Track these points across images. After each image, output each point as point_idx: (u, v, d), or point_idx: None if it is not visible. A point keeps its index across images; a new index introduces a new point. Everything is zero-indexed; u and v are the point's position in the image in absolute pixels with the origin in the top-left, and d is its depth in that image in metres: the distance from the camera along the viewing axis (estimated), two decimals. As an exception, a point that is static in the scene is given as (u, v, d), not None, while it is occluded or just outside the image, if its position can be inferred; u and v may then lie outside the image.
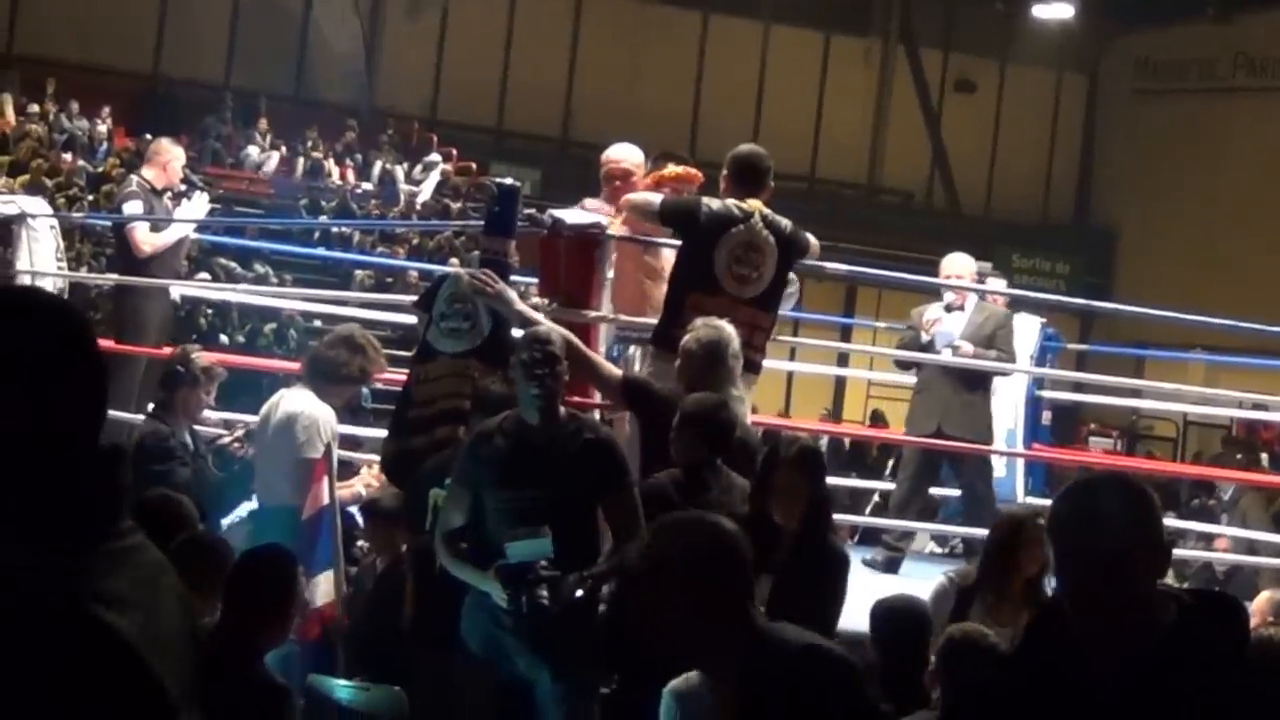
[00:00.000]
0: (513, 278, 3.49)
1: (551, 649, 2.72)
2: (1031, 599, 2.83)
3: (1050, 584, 2.83)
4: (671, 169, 3.81)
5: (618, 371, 3.34)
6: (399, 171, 13.08)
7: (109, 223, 6.16)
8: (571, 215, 3.63)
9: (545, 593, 2.65)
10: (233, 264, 10.60)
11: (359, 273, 11.25)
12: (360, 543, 3.67)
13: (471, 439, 2.90)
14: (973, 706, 1.59)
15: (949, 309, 4.67)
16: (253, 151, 12.77)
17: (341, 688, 3.04)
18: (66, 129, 11.94)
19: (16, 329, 0.95)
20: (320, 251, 11.05)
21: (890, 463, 8.63)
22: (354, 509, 3.66)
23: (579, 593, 2.67)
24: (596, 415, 3.37)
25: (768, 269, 3.48)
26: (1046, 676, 1.39)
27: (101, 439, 0.99)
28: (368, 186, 12.91)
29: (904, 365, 5.04)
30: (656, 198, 3.59)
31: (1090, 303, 7.30)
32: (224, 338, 9.87)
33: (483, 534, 2.77)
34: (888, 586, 3.42)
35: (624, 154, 3.83)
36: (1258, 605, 3.23)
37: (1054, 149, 15.56)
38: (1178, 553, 4.98)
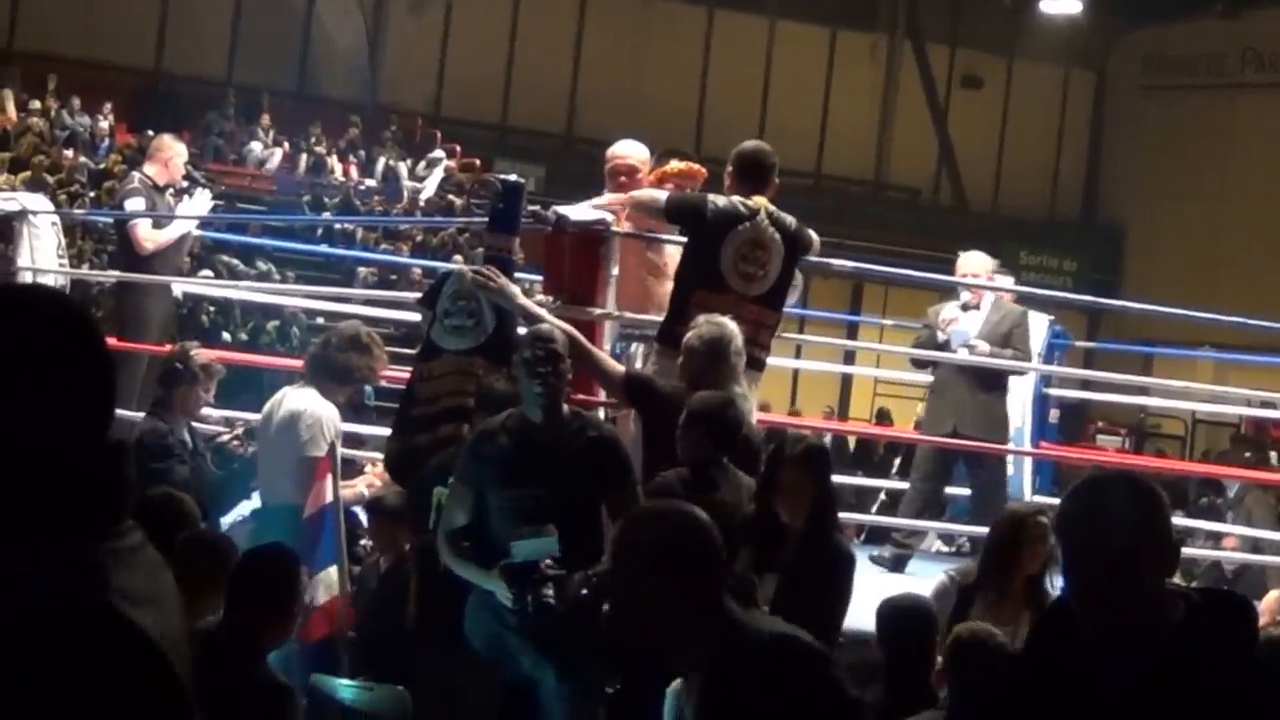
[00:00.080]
0: (517, 275, 3.47)
1: (556, 648, 2.71)
2: (1032, 597, 2.82)
3: (1053, 582, 2.84)
4: (675, 165, 3.81)
5: (621, 368, 3.32)
6: (402, 168, 13.06)
7: (110, 219, 6.15)
8: (576, 212, 3.61)
9: (550, 592, 2.64)
10: (235, 261, 10.60)
11: (362, 270, 11.24)
12: (363, 541, 3.65)
13: (475, 437, 2.89)
14: (980, 706, 1.58)
15: (965, 308, 4.65)
16: (255, 148, 12.76)
17: (345, 687, 3.04)
18: (68, 125, 11.93)
19: (23, 326, 0.95)
20: (323, 248, 11.05)
21: (896, 461, 8.60)
22: (357, 508, 3.64)
23: (584, 592, 2.65)
24: (600, 413, 3.36)
25: (773, 266, 3.47)
26: (1054, 676, 1.39)
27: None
28: (371, 183, 12.89)
29: (920, 364, 5.01)
30: (662, 195, 3.58)
31: (1098, 300, 7.27)
32: (226, 335, 9.86)
33: (486, 533, 2.77)
34: (891, 585, 3.41)
35: (629, 150, 3.81)
36: (1266, 604, 3.21)
37: (1061, 145, 15.54)
38: (1186, 551, 4.95)
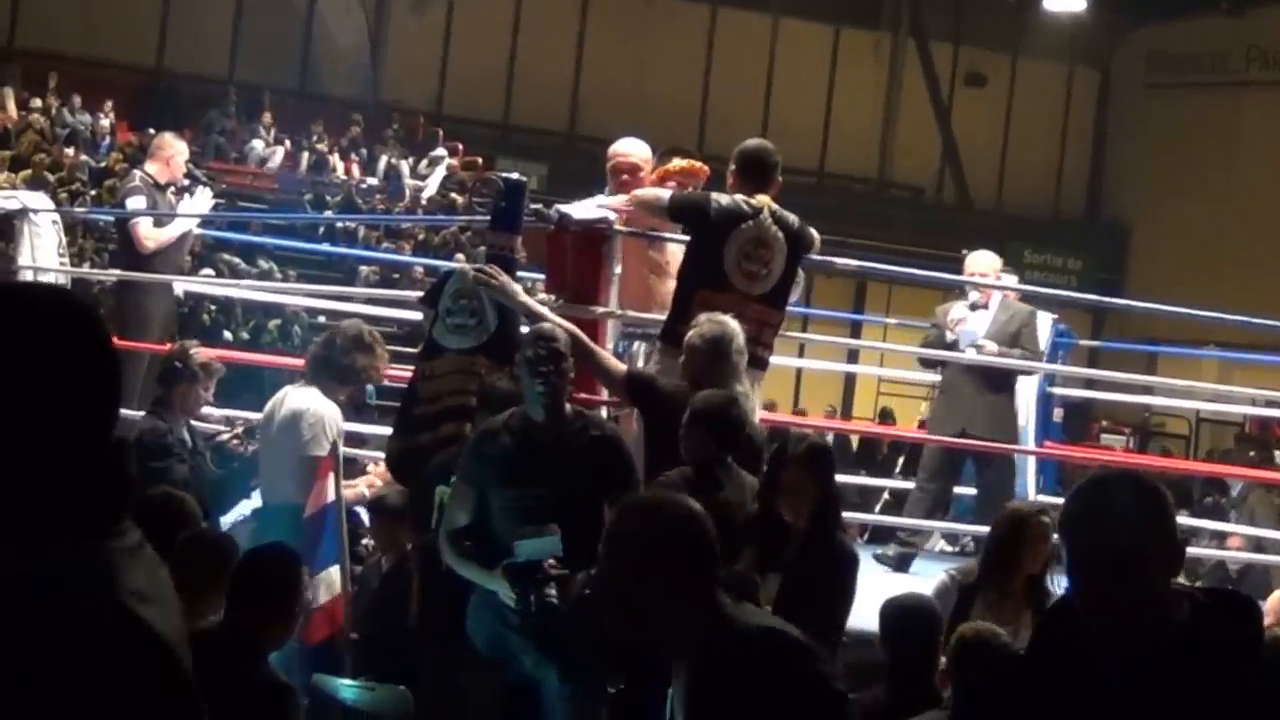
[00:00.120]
0: (519, 273, 3.46)
1: (558, 648, 2.70)
2: (1033, 597, 2.82)
3: (1054, 581, 2.85)
4: (677, 163, 3.80)
5: (622, 367, 3.31)
6: (404, 166, 13.04)
7: (111, 218, 6.13)
8: (579, 210, 3.59)
9: (554, 591, 2.63)
10: (236, 259, 10.56)
11: (364, 268, 11.23)
12: (365, 541, 3.64)
13: (477, 436, 2.88)
14: (984, 706, 1.57)
15: (973, 307, 4.64)
16: (257, 146, 12.74)
17: (346, 687, 3.03)
18: (69, 123, 11.90)
19: (26, 324, 0.95)
20: (325, 247, 11.03)
21: (900, 460, 8.58)
22: (359, 507, 3.63)
23: (586, 591, 2.64)
24: (603, 412, 3.34)
25: (777, 265, 3.46)
26: (1059, 676, 1.38)
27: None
28: (373, 181, 12.86)
29: (928, 364, 4.99)
30: (665, 193, 3.57)
31: (1102, 298, 7.26)
32: (227, 334, 9.85)
33: (489, 532, 2.76)
34: (894, 585, 3.40)
35: (631, 148, 3.80)
36: (1271, 604, 3.19)
37: (1065, 143, 15.50)
38: (1190, 551, 4.93)
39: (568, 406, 2.84)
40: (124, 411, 3.57)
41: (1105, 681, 1.35)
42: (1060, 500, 4.14)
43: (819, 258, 3.78)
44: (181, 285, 5.30)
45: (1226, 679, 1.33)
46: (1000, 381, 4.61)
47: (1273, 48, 14.12)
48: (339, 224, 11.67)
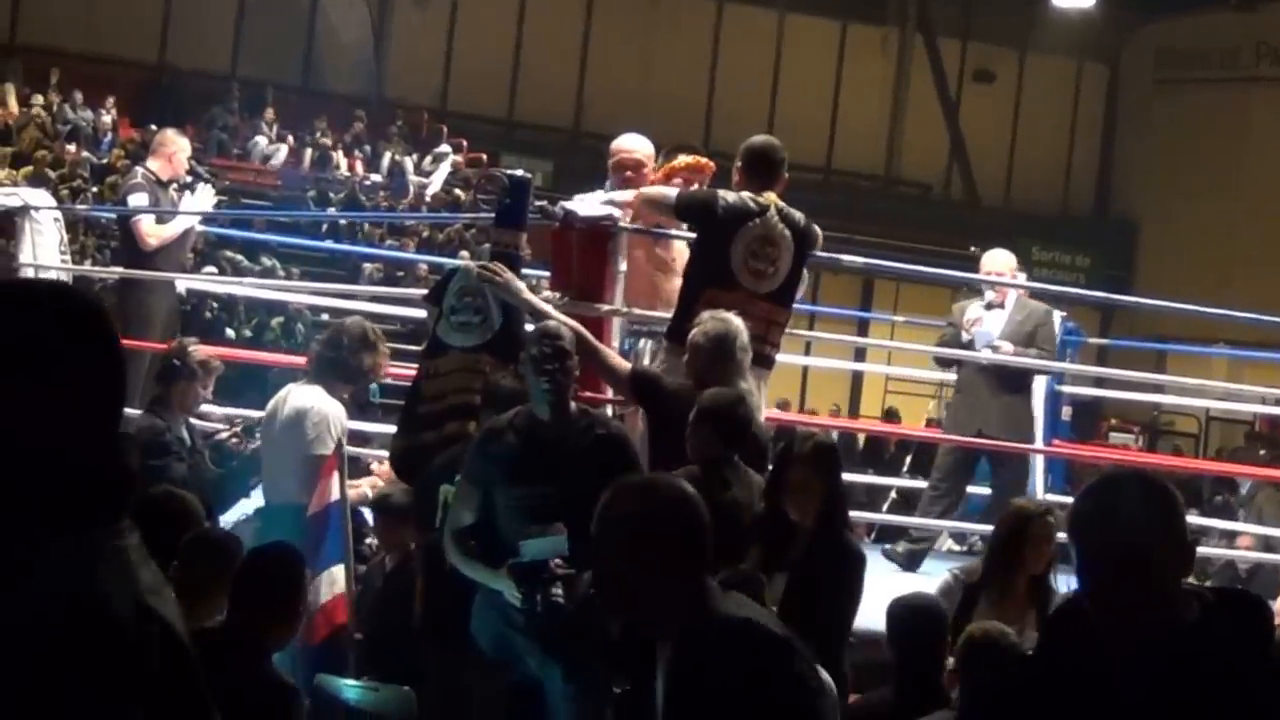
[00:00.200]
0: (524, 270, 3.44)
1: (563, 648, 2.68)
2: (1037, 595, 2.82)
3: (1058, 581, 2.85)
4: (683, 160, 3.80)
5: (627, 365, 3.29)
6: (408, 163, 12.99)
7: (113, 215, 6.11)
8: (584, 207, 3.57)
9: (560, 591, 2.62)
10: (239, 257, 10.53)
11: (368, 266, 11.20)
12: (369, 540, 3.62)
13: (482, 435, 2.87)
14: (992, 706, 1.56)
15: (989, 307, 4.62)
16: (261, 142, 12.71)
17: (350, 687, 3.02)
18: (70, 120, 11.84)
19: (31, 320, 0.94)
20: (328, 244, 10.97)
21: (908, 459, 8.55)
22: (362, 508, 3.60)
23: (593, 591, 2.61)
24: (608, 410, 3.32)
25: (784, 263, 3.45)
26: (1067, 676, 1.38)
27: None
28: (376, 178, 12.83)
29: (944, 363, 4.98)
30: (672, 191, 3.57)
31: (1111, 296, 7.26)
32: (230, 332, 9.82)
33: (494, 531, 2.74)
34: (900, 584, 3.38)
35: (635, 144, 3.78)
36: (1280, 605, 3.14)
37: (1074, 140, 15.45)
38: (1200, 550, 4.90)
39: (573, 405, 2.83)
40: (129, 410, 3.56)
41: (1114, 682, 1.34)
42: (1068, 499, 4.12)
43: (826, 254, 3.75)
44: (184, 283, 5.28)
45: (1236, 679, 1.32)
46: (1016, 382, 4.60)
47: (1283, 44, 14.04)
48: (342, 221, 11.63)
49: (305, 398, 3.36)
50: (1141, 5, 14.60)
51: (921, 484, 5.86)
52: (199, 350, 3.62)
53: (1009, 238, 10.34)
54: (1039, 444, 4.93)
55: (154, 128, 8.55)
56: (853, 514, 3.35)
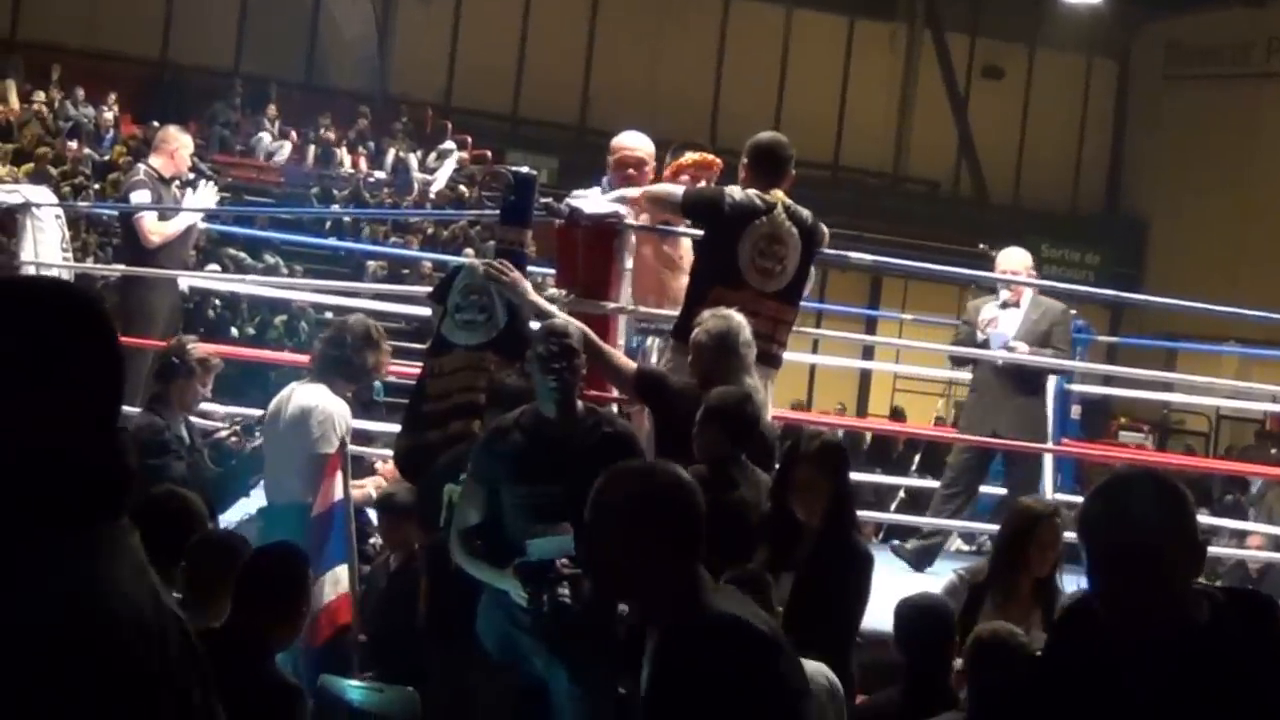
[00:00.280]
0: (529, 268, 3.41)
1: (569, 649, 2.67)
2: (1042, 596, 2.80)
3: (1064, 580, 2.84)
4: (690, 157, 3.80)
5: (632, 365, 3.28)
6: (412, 159, 12.97)
7: (115, 212, 6.10)
8: (590, 204, 3.54)
9: (566, 591, 2.60)
10: (242, 254, 10.50)
11: (371, 263, 11.18)
12: (373, 540, 3.59)
13: (488, 434, 2.85)
14: (1001, 707, 1.54)
15: (1005, 306, 4.61)
16: (265, 139, 12.69)
17: (354, 688, 3.00)
18: (72, 116, 11.83)
19: (33, 319, 0.94)
20: (332, 241, 10.97)
21: (916, 458, 8.50)
22: (366, 508, 3.58)
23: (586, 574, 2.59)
24: (614, 409, 3.29)
25: (791, 261, 3.43)
26: (1077, 677, 1.38)
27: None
28: (380, 175, 12.82)
29: (959, 362, 4.99)
30: (678, 189, 3.55)
31: (1120, 294, 7.24)
32: (233, 330, 9.80)
33: (500, 531, 2.74)
34: (907, 585, 3.36)
35: (638, 142, 3.77)
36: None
37: (1083, 136, 15.40)
38: (1210, 550, 4.86)
39: (579, 404, 2.81)
40: (132, 409, 3.53)
41: (1124, 682, 1.34)
42: (1078, 499, 4.09)
43: (834, 252, 3.73)
44: (186, 280, 5.25)
45: (1247, 679, 1.31)
46: (1031, 384, 4.59)
47: (1295, 41, 13.93)
48: (346, 218, 11.61)
49: (309, 396, 3.34)
50: (1151, 0, 14.51)
51: (930, 483, 5.83)
52: (198, 348, 3.58)
53: (1018, 235, 10.29)
54: (1049, 443, 4.90)
55: (156, 124, 8.55)
56: (860, 514, 3.31)
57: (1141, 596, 1.32)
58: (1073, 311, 5.34)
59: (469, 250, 10.17)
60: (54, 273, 4.60)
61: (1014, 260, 4.68)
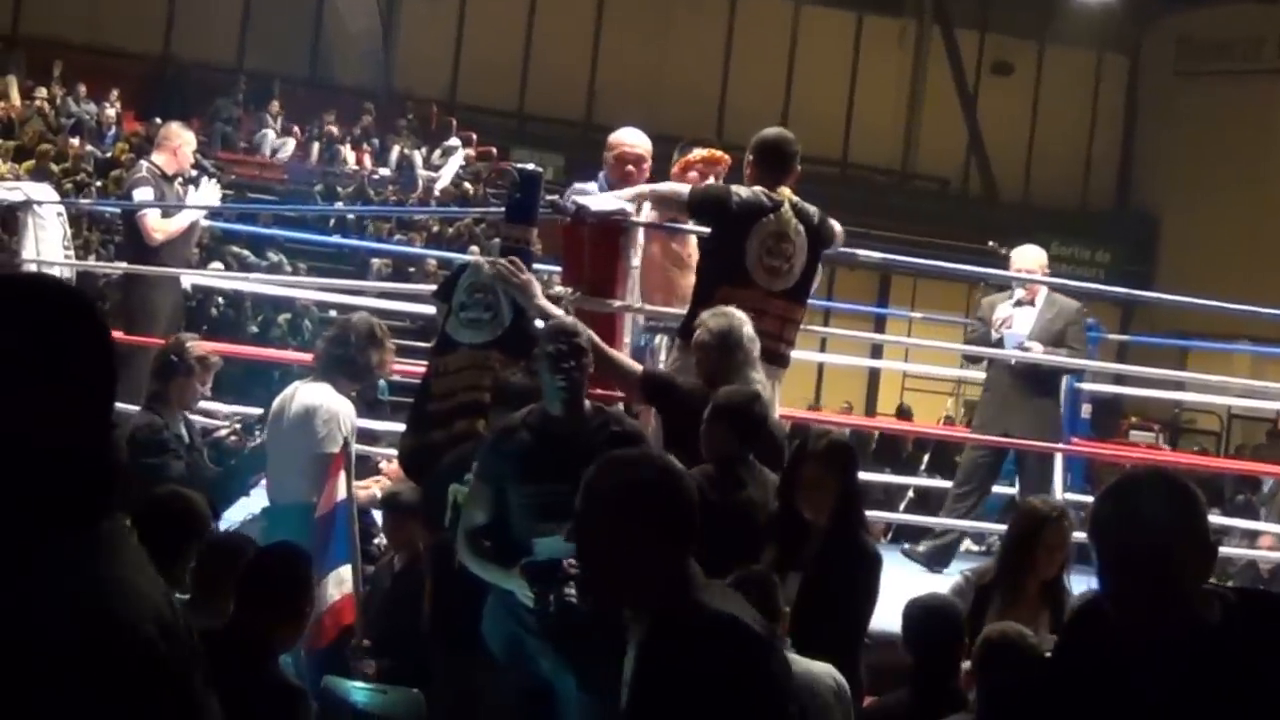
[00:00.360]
0: (535, 266, 3.38)
1: (576, 650, 2.64)
2: (1050, 597, 2.79)
3: (1072, 581, 2.83)
4: (698, 152, 3.79)
5: (639, 367, 3.26)
6: (417, 156, 12.94)
7: (118, 210, 6.09)
8: (596, 202, 3.51)
9: (573, 591, 2.57)
10: (245, 252, 10.48)
11: (376, 261, 11.16)
12: (377, 540, 3.57)
13: (495, 434, 2.84)
14: (1010, 708, 1.52)
15: (1019, 304, 4.60)
16: (269, 136, 12.67)
17: (358, 690, 3.01)
18: (74, 112, 11.79)
19: (31, 317, 0.94)
20: (336, 239, 10.95)
21: (925, 458, 8.45)
22: (371, 509, 3.55)
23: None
24: (620, 407, 3.26)
25: (798, 260, 3.41)
26: (1087, 677, 1.38)
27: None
28: (385, 172, 12.80)
29: (972, 360, 4.99)
30: (684, 188, 3.54)
31: (1131, 292, 7.20)
32: (253, 329, 9.77)
33: (506, 530, 2.72)
34: (914, 585, 3.33)
35: (637, 139, 3.77)
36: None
37: (1094, 133, 15.36)
38: (1221, 550, 4.82)
39: (587, 403, 2.80)
40: (130, 408, 3.51)
41: (1134, 683, 1.33)
42: (1088, 499, 4.04)
43: (842, 249, 3.70)
44: (189, 279, 5.23)
45: (1259, 680, 1.31)
46: (1045, 385, 4.58)
47: (1307, 36, 13.82)
48: (350, 216, 11.58)
49: (313, 395, 3.31)
50: (1162, -5, 14.44)
51: (939, 483, 5.78)
52: (197, 346, 3.56)
53: (1028, 232, 10.21)
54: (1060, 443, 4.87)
55: (159, 121, 8.55)
56: (869, 514, 3.28)
57: (1152, 597, 1.32)
58: (1084, 309, 5.30)
59: (474, 248, 10.13)
60: (56, 271, 4.58)
61: (1028, 258, 4.66)
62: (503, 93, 14.17)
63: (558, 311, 3.15)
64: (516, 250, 3.30)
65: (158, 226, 4.67)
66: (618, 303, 3.48)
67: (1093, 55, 15.16)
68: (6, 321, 0.93)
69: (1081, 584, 2.75)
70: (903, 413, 11.22)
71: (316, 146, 12.80)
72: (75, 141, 11.47)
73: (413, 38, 13.89)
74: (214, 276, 7.80)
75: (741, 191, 3.40)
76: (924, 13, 14.95)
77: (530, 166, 3.56)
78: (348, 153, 12.84)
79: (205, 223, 5.37)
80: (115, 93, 12.12)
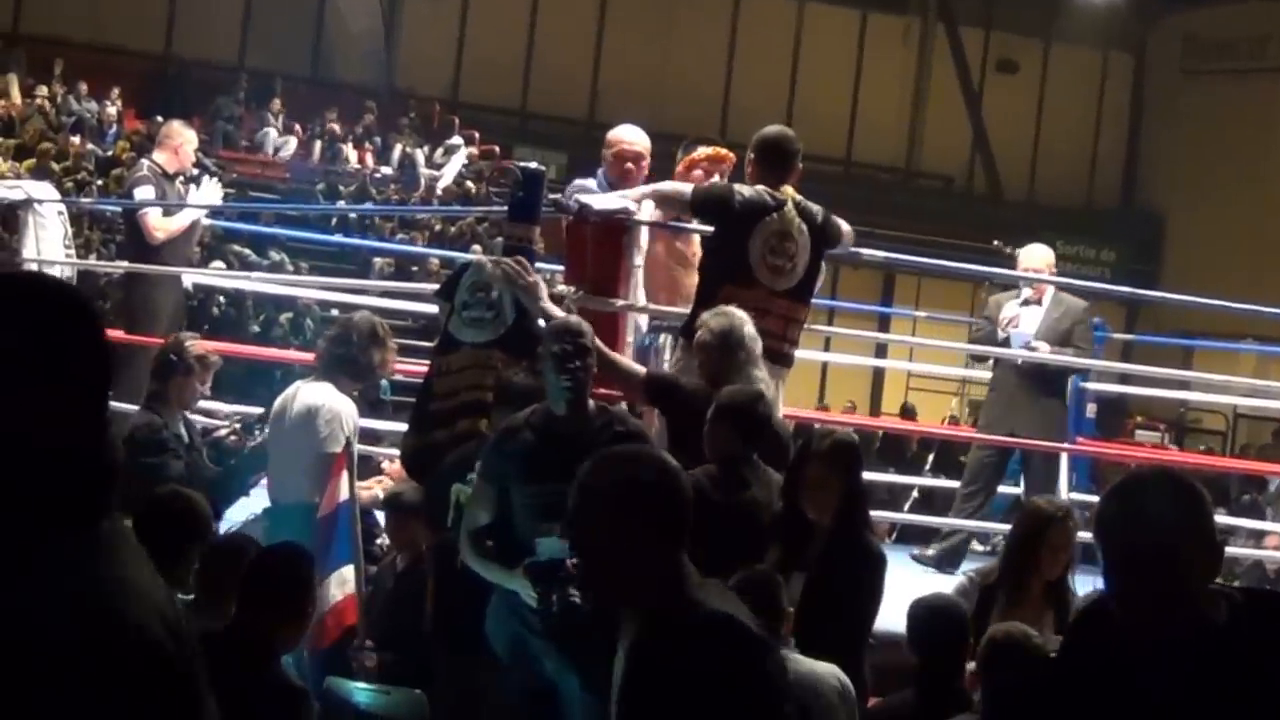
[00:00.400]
0: (538, 264, 3.37)
1: (580, 651, 2.63)
2: (1054, 597, 2.78)
3: (1076, 581, 2.82)
4: (703, 151, 3.80)
5: (641, 370, 3.27)
6: (420, 155, 12.92)
7: (119, 208, 6.07)
8: (599, 201, 3.50)
9: (577, 591, 2.55)
10: (247, 251, 10.46)
11: (378, 260, 11.13)
12: (379, 540, 3.55)
13: (498, 433, 2.84)
14: (1015, 708, 1.50)
15: (1026, 303, 4.59)
16: (271, 134, 12.65)
17: (360, 691, 3.02)
18: (75, 111, 11.78)
19: (28, 316, 0.94)
20: (338, 238, 10.93)
21: (930, 458, 8.43)
22: (374, 510, 3.54)
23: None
24: (623, 407, 3.25)
25: (801, 259, 3.40)
26: (1092, 677, 1.37)
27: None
28: (387, 170, 12.78)
29: (978, 358, 5.00)
30: (686, 188, 3.54)
31: (1137, 291, 7.19)
32: (240, 328, 9.73)
33: (510, 530, 2.72)
34: (920, 586, 3.34)
35: (637, 136, 3.77)
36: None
37: (1099, 131, 15.33)
38: (1228, 550, 4.80)
39: (591, 402, 2.80)
40: (131, 407, 3.48)
41: (1140, 683, 1.33)
42: (1093, 498, 4.02)
43: (847, 250, 3.67)
44: (191, 278, 5.22)
45: (1265, 680, 1.30)
46: (1052, 385, 4.55)
47: (1314, 34, 13.77)
48: (352, 214, 11.56)
49: (316, 395, 3.31)
50: (1167, -9, 14.39)
51: (944, 483, 5.75)
52: (196, 345, 3.54)
53: (1032, 231, 10.18)
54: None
55: (160, 119, 8.52)
56: (874, 514, 3.26)
57: (1158, 597, 1.32)
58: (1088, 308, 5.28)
59: (477, 247, 10.12)
60: (56, 270, 4.57)
61: (1036, 257, 4.65)
62: (505, 91, 14.15)
63: (561, 313, 3.13)
64: (519, 249, 3.29)
65: (159, 225, 4.66)
66: (620, 302, 3.47)
67: (1098, 53, 15.12)
68: (5, 321, 0.93)
69: (1086, 584, 2.73)
70: (907, 412, 11.19)
71: (318, 145, 12.80)
72: (76, 140, 11.46)
73: (415, 36, 13.87)
74: (216, 276, 7.78)
75: (744, 190, 3.39)
76: (928, 10, 14.91)
77: (533, 165, 3.56)
78: (350, 151, 12.83)
79: (207, 221, 5.36)
80: (116, 91, 12.12)
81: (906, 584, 3.27)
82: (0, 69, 11.84)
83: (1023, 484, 4.65)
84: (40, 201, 4.87)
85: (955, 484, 4.99)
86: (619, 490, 1.53)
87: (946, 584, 3.29)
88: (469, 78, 14.08)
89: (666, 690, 1.48)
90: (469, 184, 12.58)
